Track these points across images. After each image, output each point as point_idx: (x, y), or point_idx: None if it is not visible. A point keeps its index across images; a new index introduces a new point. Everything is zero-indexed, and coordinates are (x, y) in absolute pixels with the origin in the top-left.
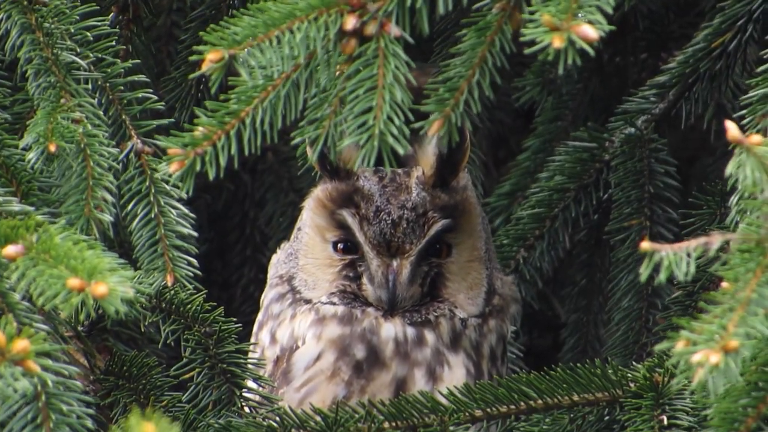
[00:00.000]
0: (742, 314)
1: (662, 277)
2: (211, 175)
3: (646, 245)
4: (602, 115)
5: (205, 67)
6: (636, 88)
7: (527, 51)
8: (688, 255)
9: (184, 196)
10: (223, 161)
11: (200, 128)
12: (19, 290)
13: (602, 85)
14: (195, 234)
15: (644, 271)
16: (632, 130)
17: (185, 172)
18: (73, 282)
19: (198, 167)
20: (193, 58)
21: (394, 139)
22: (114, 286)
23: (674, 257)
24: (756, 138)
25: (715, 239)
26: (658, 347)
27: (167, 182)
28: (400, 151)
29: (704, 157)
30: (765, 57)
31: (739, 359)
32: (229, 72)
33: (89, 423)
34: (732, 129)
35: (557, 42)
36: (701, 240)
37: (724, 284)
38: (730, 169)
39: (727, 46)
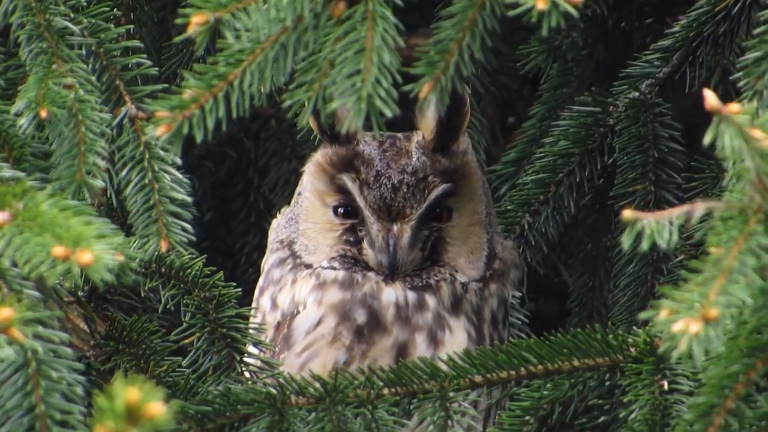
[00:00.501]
0: (724, 282)
1: (645, 245)
2: (199, 138)
3: (628, 214)
4: (607, 81)
5: (190, 30)
6: (641, 53)
7: (511, 13)
8: (671, 223)
9: (178, 161)
10: (210, 124)
11: (188, 91)
12: (6, 257)
13: (607, 51)
14: (189, 200)
15: (626, 240)
16: (636, 94)
17: (173, 136)
18: (58, 250)
19: (185, 130)
20: (179, 21)
21: (382, 101)
22: (100, 253)
23: (656, 226)
24: (734, 106)
25: (698, 207)
26: (642, 315)
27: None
28: (388, 113)
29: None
30: (762, 19)
31: (719, 328)
32: (218, 35)
33: (79, 390)
34: (710, 98)
35: (541, 4)
36: (684, 208)
37: (712, 251)
38: (707, 138)
39: (731, 9)
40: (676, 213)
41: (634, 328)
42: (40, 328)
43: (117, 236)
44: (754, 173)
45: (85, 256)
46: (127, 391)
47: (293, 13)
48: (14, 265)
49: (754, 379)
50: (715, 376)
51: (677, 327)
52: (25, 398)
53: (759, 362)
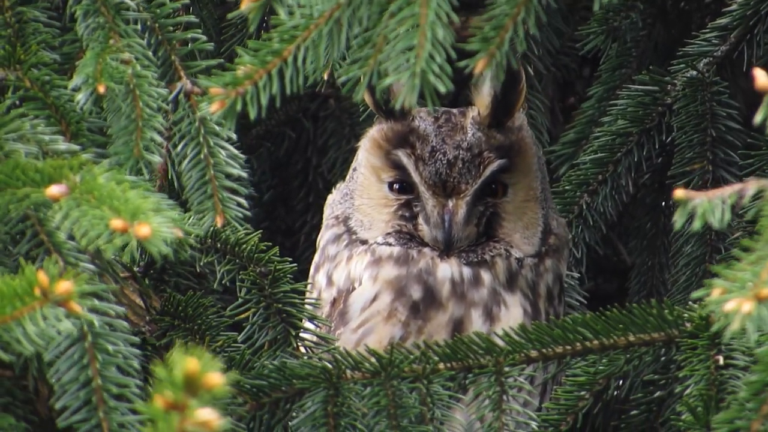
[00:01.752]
0: None
1: (696, 224)
2: (252, 115)
3: (679, 193)
4: (666, 61)
5: (243, 7)
6: (699, 32)
7: None
8: (723, 202)
9: (234, 136)
10: (264, 101)
11: (242, 67)
12: (63, 230)
13: (666, 31)
14: (245, 175)
15: (678, 219)
16: (694, 73)
17: (226, 112)
18: (116, 223)
19: (239, 107)
20: None
21: (436, 77)
22: (158, 226)
23: (708, 205)
24: None
25: (750, 185)
26: (694, 295)
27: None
28: (442, 89)
29: None
30: None
31: None
32: (271, 12)
33: (135, 363)
34: (760, 77)
35: None
36: (736, 187)
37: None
38: (759, 117)
39: None
40: (729, 192)
41: (690, 303)
42: (96, 302)
43: (174, 210)
44: None
45: (143, 229)
46: (186, 361)
47: None
48: (70, 238)
49: None
50: (765, 353)
51: (730, 306)
52: (82, 372)
53: None
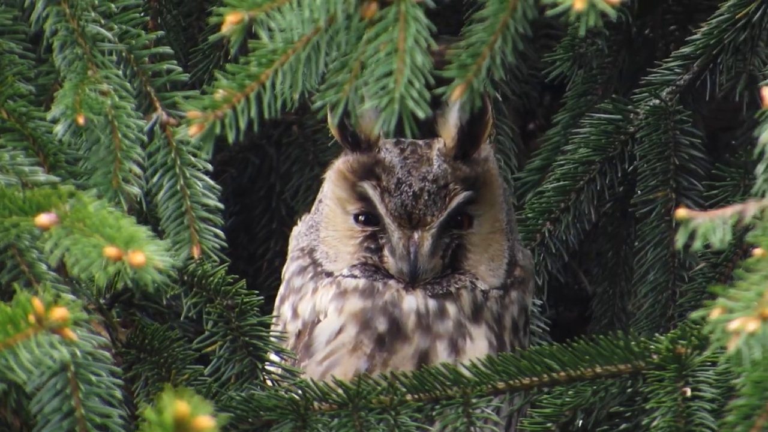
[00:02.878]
0: None
1: (698, 244)
2: (231, 139)
3: (681, 213)
4: (631, 88)
5: (224, 29)
6: (663, 60)
7: (549, 13)
8: (724, 222)
9: (210, 167)
10: (242, 124)
11: (220, 91)
12: (52, 260)
13: (631, 59)
14: (221, 206)
15: (680, 239)
16: (657, 101)
17: (205, 135)
18: (110, 250)
19: (218, 130)
20: (213, 20)
21: (415, 102)
22: (151, 255)
23: (710, 224)
24: None
25: (751, 206)
26: (693, 315)
27: (190, 150)
28: (420, 115)
29: (737, 128)
30: None
31: None
32: (250, 35)
33: (118, 393)
34: (767, 95)
35: (579, 4)
36: (737, 207)
37: (758, 252)
38: (765, 136)
39: (752, 16)
40: (729, 212)
41: (657, 335)
42: (80, 332)
43: (162, 240)
44: None
45: (137, 257)
46: (176, 404)
47: (326, 13)
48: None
49: None
50: (757, 378)
51: (734, 325)
52: (64, 402)
53: None
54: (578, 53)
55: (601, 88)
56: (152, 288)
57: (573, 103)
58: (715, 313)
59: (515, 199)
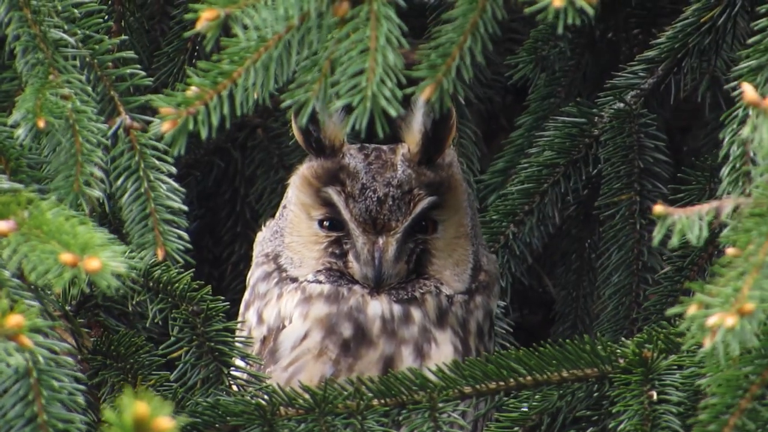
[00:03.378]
0: (757, 277)
1: (674, 240)
2: (204, 135)
3: (659, 209)
4: (594, 91)
5: (200, 26)
6: (627, 64)
7: (527, 10)
8: (701, 219)
9: (174, 170)
10: (215, 121)
11: (192, 88)
12: (11, 266)
13: (594, 62)
14: (185, 208)
15: (657, 235)
16: (621, 105)
17: (177, 132)
18: (66, 257)
19: (191, 127)
20: (189, 16)
21: (387, 101)
22: (106, 261)
23: (686, 221)
24: None
25: (727, 203)
26: (670, 312)
27: (154, 147)
28: (393, 113)
29: (696, 129)
30: (756, 29)
31: (755, 322)
32: (225, 32)
33: (81, 399)
34: (749, 91)
35: (557, 1)
36: (713, 204)
37: (730, 251)
38: (746, 131)
39: (717, 20)
40: (706, 209)
41: (623, 339)
42: (41, 338)
43: (118, 244)
44: None
45: (93, 263)
46: (136, 405)
47: (299, 11)
48: (14, 276)
49: None
50: (728, 376)
51: (712, 320)
52: (27, 408)
53: None
54: (541, 56)
55: (564, 91)
56: (110, 292)
57: (536, 106)
58: (692, 309)
59: (478, 202)
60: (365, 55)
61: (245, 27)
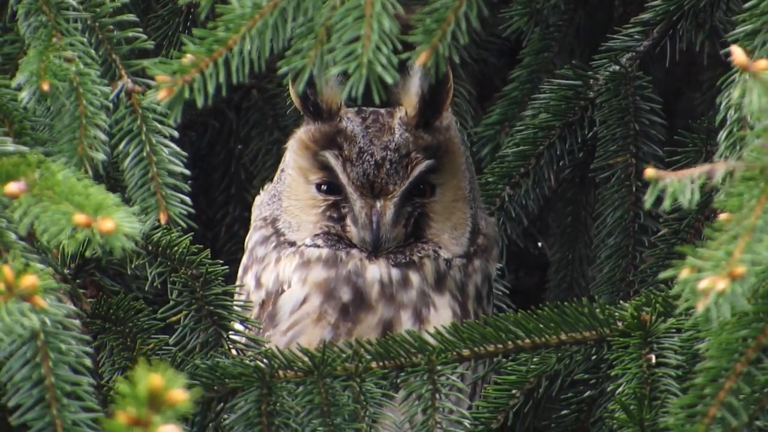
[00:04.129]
0: (748, 241)
1: (666, 204)
2: (200, 103)
3: (650, 172)
4: (588, 47)
5: None
6: (620, 22)
7: None
8: (692, 182)
9: (176, 134)
10: (211, 89)
11: (188, 56)
12: (22, 228)
13: (587, 18)
14: (188, 172)
15: (649, 198)
16: (617, 67)
17: (173, 100)
18: (80, 217)
19: (186, 95)
20: None
21: (383, 68)
22: (120, 221)
23: (678, 184)
24: (763, 63)
25: (719, 166)
26: (663, 275)
27: (156, 111)
28: (389, 80)
29: (689, 91)
30: None
31: (746, 285)
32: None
33: (88, 361)
34: (738, 54)
35: None
36: (705, 167)
37: (722, 216)
38: (735, 95)
39: None
40: (698, 172)
41: (621, 302)
42: (48, 300)
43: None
44: None
45: (106, 224)
46: (150, 377)
47: None
48: (21, 238)
49: (765, 344)
50: (724, 340)
51: (704, 284)
52: (34, 370)
53: None
54: (535, 9)
55: (558, 45)
56: (119, 255)
57: (530, 60)
58: (684, 273)
59: (472, 154)
60: (361, 22)
61: None
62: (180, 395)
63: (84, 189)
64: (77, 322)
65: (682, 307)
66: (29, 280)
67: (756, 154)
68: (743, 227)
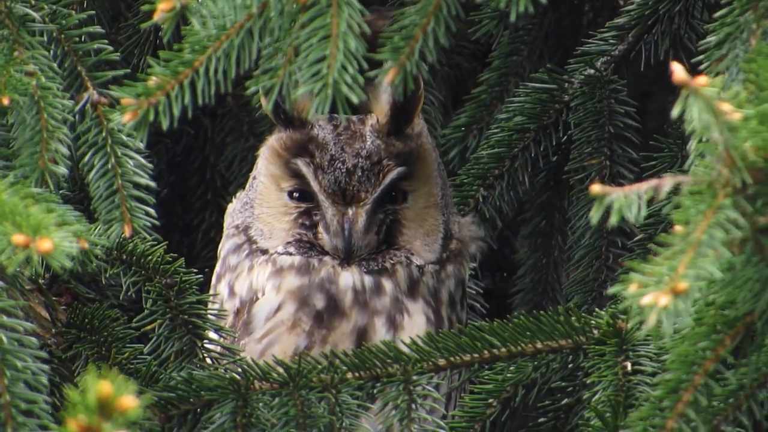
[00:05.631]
0: (693, 256)
1: (613, 219)
2: (165, 126)
3: (596, 188)
4: (558, 51)
5: (156, 17)
6: (590, 27)
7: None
8: (639, 198)
9: (141, 146)
10: (176, 111)
11: (153, 78)
12: None
13: (557, 23)
14: (153, 184)
15: (595, 214)
16: (592, 71)
17: (138, 123)
18: (18, 238)
19: (151, 117)
20: (146, 8)
21: (348, 87)
22: (59, 241)
23: (625, 200)
24: (702, 79)
25: (666, 182)
26: (610, 290)
27: (123, 132)
28: (354, 99)
29: (659, 93)
30: (723, 2)
31: (689, 301)
32: (183, 21)
33: (44, 379)
34: (678, 70)
35: None
36: (652, 182)
37: (677, 227)
38: (676, 111)
39: None
40: (645, 187)
41: (597, 310)
42: (5, 318)
43: (79, 223)
44: (722, 146)
45: (44, 244)
46: (99, 384)
47: (258, 0)
48: None
49: (723, 356)
50: (683, 352)
51: (646, 300)
52: None
53: (727, 338)
54: (504, 12)
55: (527, 49)
56: (61, 273)
57: (499, 63)
58: (631, 288)
59: (441, 156)
60: (326, 42)
61: (203, 17)
62: (130, 402)
63: (24, 209)
64: (34, 339)
65: (633, 322)
66: None
67: (704, 169)
68: (688, 242)
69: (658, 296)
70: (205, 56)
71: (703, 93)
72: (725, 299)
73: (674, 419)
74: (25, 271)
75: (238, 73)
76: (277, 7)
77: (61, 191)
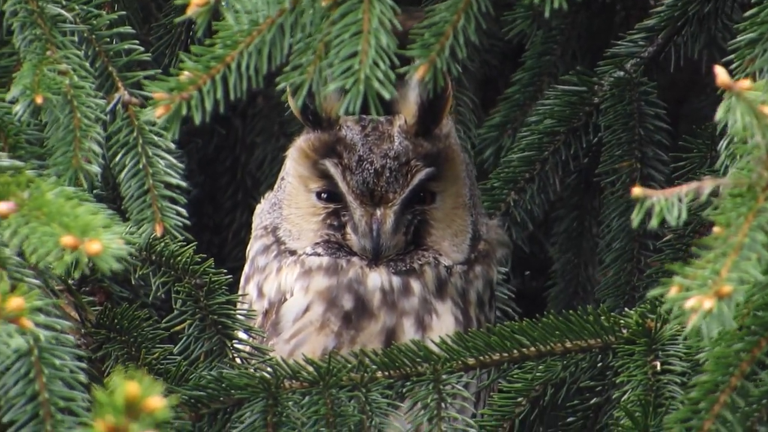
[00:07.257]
0: (735, 259)
1: (654, 222)
2: (197, 120)
3: (637, 191)
4: (590, 51)
5: (190, 11)
6: (622, 26)
7: None
8: (680, 200)
9: (172, 146)
10: (209, 106)
11: (186, 73)
12: (11, 248)
13: (589, 22)
14: (184, 184)
15: (636, 217)
16: (621, 73)
17: (171, 117)
18: (67, 239)
19: (183, 112)
20: (179, 2)
21: (380, 83)
22: (108, 243)
23: (665, 203)
24: (745, 83)
25: (707, 184)
26: (651, 293)
27: (153, 129)
28: (386, 95)
29: (693, 97)
30: (754, 1)
31: (732, 304)
32: (216, 16)
33: (82, 377)
34: (721, 74)
35: None
36: (693, 185)
37: (716, 229)
38: (719, 114)
39: None
40: (685, 190)
41: (626, 309)
42: (42, 316)
43: (117, 222)
44: (764, 149)
45: (94, 246)
46: (127, 385)
47: None
48: (19, 254)
49: (759, 357)
50: (719, 354)
51: (690, 303)
52: (29, 386)
53: (763, 340)
54: (537, 12)
55: (560, 49)
56: (108, 274)
57: (532, 63)
58: (672, 291)
59: (475, 156)
60: (358, 38)
61: (236, 12)
62: (157, 402)
63: (72, 209)
64: (71, 337)
65: (672, 325)
66: (15, 303)
67: (744, 171)
68: (730, 245)
69: (702, 300)
70: (237, 51)
71: (746, 96)
72: (762, 301)
73: (711, 421)
74: (55, 270)
75: (269, 69)
76: (309, 2)
77: (95, 191)
